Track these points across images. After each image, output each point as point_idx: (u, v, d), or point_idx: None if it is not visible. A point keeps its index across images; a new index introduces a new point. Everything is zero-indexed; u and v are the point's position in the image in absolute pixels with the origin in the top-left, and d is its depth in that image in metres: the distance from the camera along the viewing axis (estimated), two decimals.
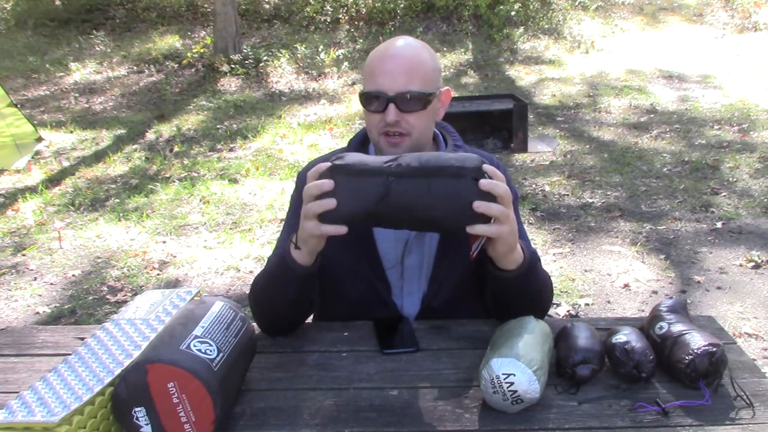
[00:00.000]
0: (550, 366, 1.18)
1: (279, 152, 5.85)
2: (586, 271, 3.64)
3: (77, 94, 8.11)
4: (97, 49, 9.47)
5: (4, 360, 1.34)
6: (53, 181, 5.35)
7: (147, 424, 1.02)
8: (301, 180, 1.53)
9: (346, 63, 8.57)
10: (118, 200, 4.90)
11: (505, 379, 1.07)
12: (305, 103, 7.52)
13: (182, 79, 8.40)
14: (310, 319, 1.49)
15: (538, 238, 4.03)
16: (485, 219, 1.14)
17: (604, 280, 3.54)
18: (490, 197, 1.13)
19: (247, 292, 1.54)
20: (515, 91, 6.84)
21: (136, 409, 1.01)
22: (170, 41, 9.42)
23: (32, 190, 5.13)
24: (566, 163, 5.35)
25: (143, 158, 5.85)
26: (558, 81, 7.86)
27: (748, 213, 4.31)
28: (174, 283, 3.63)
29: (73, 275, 3.77)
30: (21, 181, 5.36)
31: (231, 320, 1.16)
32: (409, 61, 1.35)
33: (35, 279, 3.75)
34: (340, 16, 9.66)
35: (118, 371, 1.07)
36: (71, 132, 6.64)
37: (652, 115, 6.56)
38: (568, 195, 4.72)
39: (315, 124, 6.70)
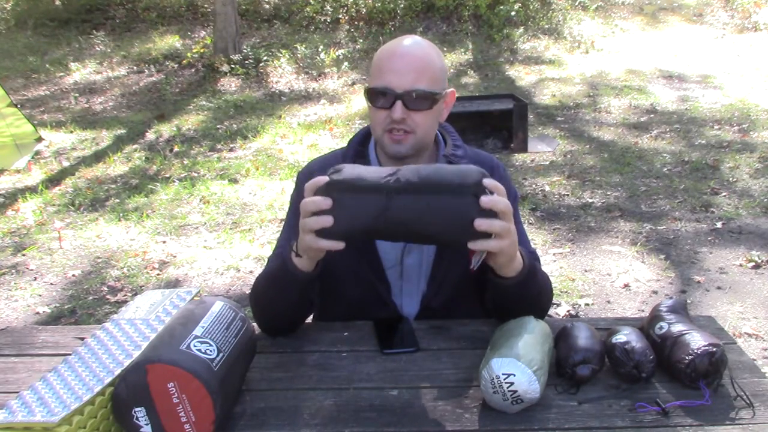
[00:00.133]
0: (550, 366, 1.18)
1: (279, 152, 5.86)
2: (586, 271, 3.64)
3: (77, 94, 8.11)
4: (97, 49, 9.47)
5: (4, 360, 1.34)
6: (53, 181, 5.35)
7: (147, 424, 1.02)
8: (301, 180, 1.53)
9: (346, 63, 8.57)
10: (118, 200, 4.90)
11: (505, 379, 1.07)
12: (305, 103, 7.52)
13: (182, 79, 8.40)
14: (310, 319, 1.49)
15: (538, 238, 4.03)
16: (486, 234, 1.12)
17: (604, 280, 3.54)
18: (491, 213, 1.12)
19: (247, 292, 1.54)
20: (515, 91, 6.84)
21: (136, 409, 1.01)
22: (170, 41, 9.42)
23: (32, 190, 5.13)
24: (566, 163, 5.35)
25: (143, 158, 5.85)
26: (558, 81, 7.86)
27: (748, 213, 4.31)
28: (174, 283, 3.63)
29: (73, 275, 3.77)
30: (21, 181, 5.36)
31: (231, 320, 1.16)
32: (418, 60, 1.35)
33: (35, 279, 3.75)
34: (340, 16, 9.66)
35: (118, 371, 1.06)
36: (71, 132, 6.64)
37: (652, 115, 6.56)
38: (568, 195, 4.72)
39: (315, 124, 6.70)
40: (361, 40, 9.21)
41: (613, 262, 3.72)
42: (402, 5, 9.66)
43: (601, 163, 5.34)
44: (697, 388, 1.15)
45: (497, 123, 5.62)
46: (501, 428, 1.09)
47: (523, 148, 5.61)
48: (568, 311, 3.21)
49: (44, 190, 5.09)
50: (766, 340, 2.95)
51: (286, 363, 1.29)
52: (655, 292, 3.37)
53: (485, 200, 1.11)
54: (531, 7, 9.79)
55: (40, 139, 6.10)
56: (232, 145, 6.12)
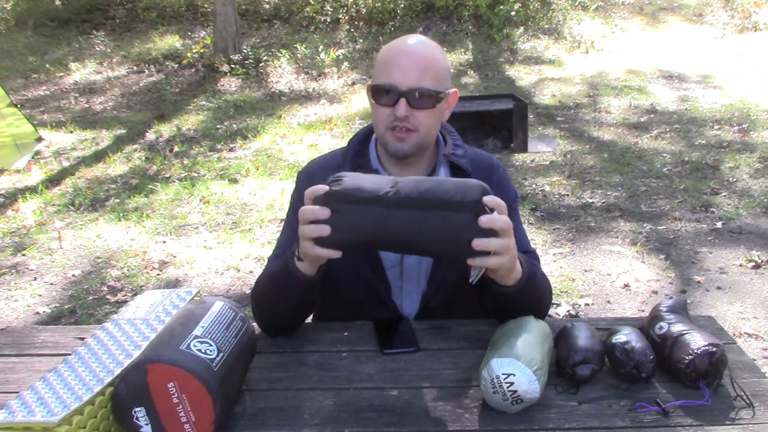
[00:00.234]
0: (550, 366, 1.18)
1: (279, 152, 5.86)
2: (586, 271, 3.64)
3: (77, 94, 8.11)
4: (97, 49, 9.47)
5: (4, 360, 1.34)
6: (53, 181, 5.35)
7: (147, 424, 1.02)
8: (301, 180, 1.53)
9: (346, 63, 8.57)
10: (118, 200, 4.90)
11: (505, 379, 1.07)
12: (305, 103, 7.52)
13: (182, 79, 8.40)
14: (310, 319, 1.49)
15: (538, 238, 4.03)
16: (485, 251, 1.12)
17: (604, 280, 3.54)
18: (490, 231, 1.11)
19: (247, 292, 1.54)
20: (515, 91, 6.84)
21: (136, 409, 1.01)
22: (170, 41, 9.42)
23: (32, 190, 5.13)
24: (566, 163, 5.35)
25: (143, 158, 5.85)
26: (558, 81, 7.86)
27: (748, 213, 4.31)
28: (174, 283, 3.63)
29: (73, 275, 3.77)
30: (21, 181, 5.36)
31: (231, 320, 1.16)
32: (423, 58, 1.35)
33: (35, 279, 3.75)
34: (340, 16, 9.66)
35: (118, 371, 1.06)
36: (71, 132, 6.64)
37: (652, 115, 6.56)
38: (568, 195, 4.72)
39: (315, 124, 6.70)
40: (361, 40, 9.21)
41: (613, 262, 3.72)
42: (402, 5, 9.66)
43: (601, 163, 5.34)
44: (697, 388, 1.15)
45: (497, 123, 5.62)
46: (501, 428, 1.09)
47: (523, 148, 5.61)
48: (568, 311, 3.21)
49: (44, 190, 5.09)
50: (766, 340, 2.95)
51: (286, 363, 1.29)
52: (655, 292, 3.37)
53: (484, 220, 1.10)
54: (531, 7, 9.79)
55: (40, 139, 6.10)
56: (232, 145, 6.12)
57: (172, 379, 1.01)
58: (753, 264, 3.63)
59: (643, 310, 3.19)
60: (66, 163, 5.78)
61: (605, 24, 9.72)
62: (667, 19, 9.95)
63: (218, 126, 6.76)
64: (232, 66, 8.36)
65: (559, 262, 3.74)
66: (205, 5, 10.13)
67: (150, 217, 4.55)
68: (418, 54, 1.36)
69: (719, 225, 4.14)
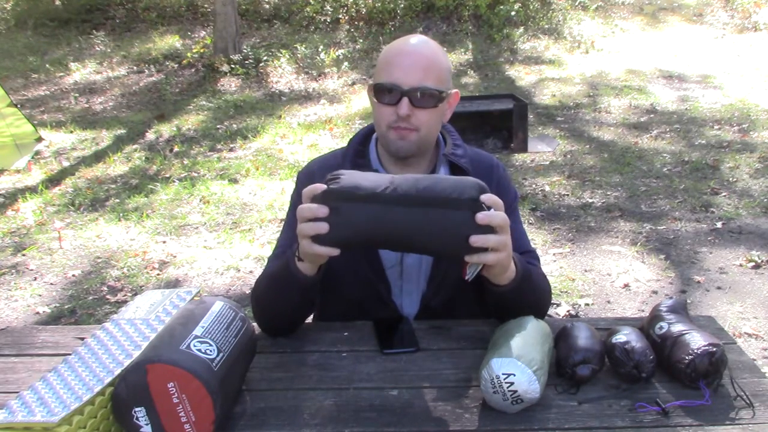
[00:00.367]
0: (550, 366, 1.18)
1: (279, 152, 5.86)
2: (586, 271, 3.64)
3: (77, 94, 8.11)
4: (97, 49, 9.47)
5: (4, 360, 1.34)
6: (53, 181, 5.35)
7: (147, 424, 1.02)
8: (301, 180, 1.53)
9: (346, 63, 8.57)
10: (118, 200, 4.90)
11: (505, 379, 1.07)
12: (305, 103, 7.52)
13: (182, 79, 8.40)
14: (310, 319, 1.49)
15: (538, 238, 4.03)
16: (483, 248, 1.13)
17: (604, 280, 3.54)
18: (487, 228, 1.12)
19: (247, 292, 1.54)
20: (515, 91, 6.84)
21: (136, 409, 1.01)
22: (170, 41, 9.42)
23: (32, 190, 5.13)
24: (566, 163, 5.35)
25: (143, 158, 5.85)
26: (558, 81, 7.86)
27: (748, 213, 4.31)
28: (174, 283, 3.63)
29: (73, 275, 3.77)
30: (21, 181, 5.36)
31: (231, 320, 1.16)
32: (426, 58, 1.36)
33: (35, 279, 3.75)
34: (340, 16, 9.66)
35: (118, 371, 1.06)
36: (71, 132, 6.64)
37: (652, 115, 6.56)
38: (568, 195, 4.72)
39: (315, 124, 6.70)
40: (361, 40, 9.21)
41: (613, 262, 3.72)
42: (402, 5, 9.66)
43: (601, 163, 5.34)
44: (697, 388, 1.15)
45: (497, 123, 5.62)
46: (501, 428, 1.09)
47: (523, 148, 5.61)
48: (568, 311, 3.21)
49: (44, 190, 5.09)
50: (766, 340, 2.95)
51: (286, 363, 1.29)
52: (655, 292, 3.37)
53: (481, 217, 1.11)
54: (531, 7, 9.79)
55: (40, 139, 6.10)
56: (232, 145, 6.12)
57: (172, 379, 1.01)
58: (753, 264, 3.63)
59: (643, 310, 3.19)
60: (66, 163, 5.78)
61: (605, 24, 9.72)
62: (667, 19, 9.95)
63: (218, 126, 6.76)
64: (232, 66, 8.36)
65: (559, 262, 3.74)
66: (205, 5, 10.13)
67: (150, 217, 4.55)
68: (420, 54, 1.36)
69: (719, 225, 4.14)
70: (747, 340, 2.94)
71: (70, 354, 1.14)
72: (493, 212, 1.12)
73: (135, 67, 8.83)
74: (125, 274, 3.76)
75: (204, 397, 1.02)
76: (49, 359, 1.33)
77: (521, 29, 9.42)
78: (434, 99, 1.36)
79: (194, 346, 1.06)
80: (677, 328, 1.21)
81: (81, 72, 8.77)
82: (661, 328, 1.23)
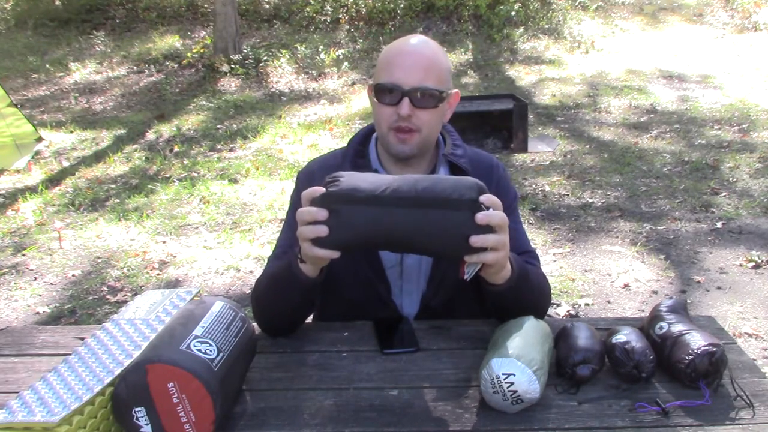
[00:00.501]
0: (550, 366, 1.18)
1: (279, 152, 5.86)
2: (586, 271, 3.64)
3: (77, 94, 8.11)
4: (97, 49, 9.47)
5: (4, 360, 1.34)
6: (53, 181, 5.35)
7: (147, 424, 1.02)
8: (301, 180, 1.53)
9: (346, 63, 8.57)
10: (118, 200, 4.90)
11: (505, 379, 1.07)
12: (305, 103, 7.52)
13: (182, 79, 8.40)
14: (310, 319, 1.49)
15: (538, 238, 4.03)
16: (482, 248, 1.13)
17: (604, 280, 3.54)
18: (487, 227, 1.12)
19: (247, 292, 1.54)
20: (515, 91, 6.84)
21: (136, 409, 1.01)
22: (170, 41, 9.42)
23: (32, 190, 5.13)
24: (566, 163, 5.35)
25: (143, 158, 5.85)
26: (558, 81, 7.86)
27: (748, 213, 4.31)
28: (174, 283, 3.63)
29: (73, 275, 3.77)
30: (21, 181, 5.36)
31: (231, 320, 1.16)
32: (426, 58, 1.36)
33: (35, 279, 3.75)
34: (340, 16, 9.66)
35: (118, 371, 1.06)
36: (71, 132, 6.64)
37: (652, 115, 6.56)
38: (568, 195, 4.72)
39: (315, 124, 6.70)
40: (361, 40, 9.21)
41: (613, 262, 3.72)
42: (402, 5, 9.66)
43: (601, 163, 5.34)
44: (697, 388, 1.15)
45: (497, 123, 5.62)
46: (501, 428, 1.09)
47: (523, 148, 5.61)
48: (568, 311, 3.21)
49: (44, 190, 5.09)
50: (766, 340, 2.95)
51: (286, 363, 1.29)
52: (655, 292, 3.37)
53: (481, 217, 1.11)
54: (531, 7, 9.79)
55: (40, 139, 6.10)
56: (232, 145, 6.12)
57: (172, 379, 1.01)
58: (753, 264, 3.63)
59: (643, 310, 3.19)
60: (66, 163, 5.78)
61: (605, 24, 9.72)
62: (667, 19, 9.95)
63: (218, 126, 6.76)
64: (232, 66, 8.36)
65: (559, 262, 3.74)
66: (205, 5, 10.13)
67: (150, 217, 4.55)
68: (421, 54, 1.36)
69: (719, 225, 4.14)
70: (747, 340, 2.94)
71: (70, 354, 1.14)
72: (492, 212, 1.13)
73: (135, 67, 8.83)
74: (125, 274, 3.76)
75: (204, 397, 1.02)
76: (49, 359, 1.33)
77: (521, 29, 9.42)
78: (435, 99, 1.36)
79: (194, 346, 1.06)
80: (677, 328, 1.21)
81: (81, 72, 8.77)
82: (661, 328, 1.23)
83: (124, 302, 3.29)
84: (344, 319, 1.44)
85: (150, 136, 6.54)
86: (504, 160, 5.39)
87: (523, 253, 1.43)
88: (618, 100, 7.05)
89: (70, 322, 3.27)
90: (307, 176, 1.50)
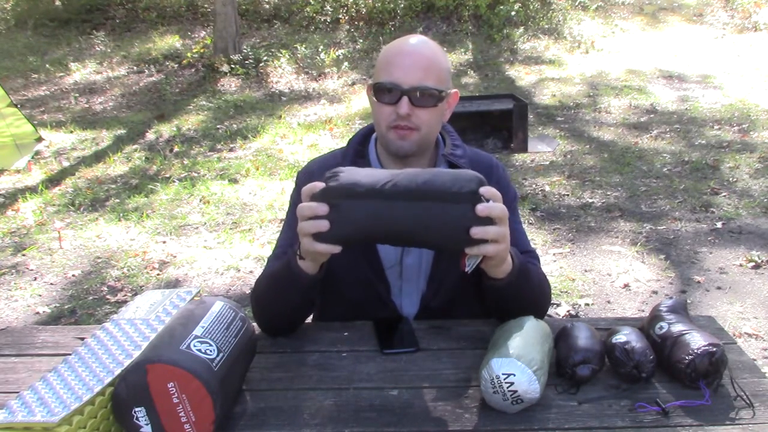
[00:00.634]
0: (550, 366, 1.18)
1: (279, 152, 5.86)
2: (586, 271, 3.64)
3: (77, 94, 8.11)
4: (97, 49, 9.47)
5: (4, 360, 1.34)
6: (53, 181, 5.35)
7: (147, 424, 1.02)
8: (301, 180, 1.53)
9: (346, 63, 8.57)
10: (118, 200, 4.90)
11: (505, 379, 1.07)
12: (305, 103, 7.52)
13: (182, 79, 8.40)
14: (310, 319, 1.49)
15: (538, 238, 4.03)
16: (482, 239, 1.13)
17: (604, 280, 3.54)
18: (487, 219, 1.12)
19: (247, 292, 1.54)
20: (515, 91, 6.84)
21: (136, 409, 1.01)
22: (170, 41, 9.42)
23: (32, 190, 5.13)
24: (566, 163, 5.35)
25: (143, 158, 5.85)
26: (558, 81, 7.86)
27: (748, 213, 4.31)
28: (174, 283, 3.63)
29: (73, 275, 3.77)
30: (21, 181, 5.36)
31: (231, 320, 1.16)
32: (426, 58, 1.36)
33: (35, 279, 3.75)
34: (340, 16, 9.66)
35: (118, 371, 1.06)
36: (71, 132, 6.64)
37: (652, 115, 6.56)
38: (568, 195, 4.72)
39: (315, 124, 6.70)
40: (361, 40, 9.21)
41: (613, 262, 3.72)
42: (402, 5, 9.66)
43: (601, 163, 5.34)
44: (697, 388, 1.14)
45: (497, 123, 5.62)
46: (501, 428, 1.09)
47: (523, 148, 5.61)
48: (568, 311, 3.21)
49: (44, 190, 5.09)
50: (766, 340, 2.95)
51: (286, 363, 1.29)
52: (655, 292, 3.37)
53: (481, 208, 1.11)
54: (531, 7, 9.79)
55: (40, 139, 6.11)
56: (232, 145, 6.12)
57: (172, 379, 1.01)
58: (753, 264, 3.63)
59: (643, 310, 3.19)
60: (66, 163, 5.78)
61: (605, 24, 9.72)
62: (667, 19, 9.95)
63: (218, 126, 6.76)
64: (232, 66, 8.36)
65: (559, 262, 3.74)
66: (205, 5, 10.13)
67: (150, 217, 4.55)
68: (420, 53, 1.36)
69: (719, 225, 4.14)
70: (747, 340, 2.94)
71: (70, 354, 1.14)
72: (493, 204, 1.13)
73: (135, 67, 8.83)
74: (125, 274, 3.76)
75: (204, 397, 1.02)
76: (49, 359, 1.33)
77: (521, 29, 9.42)
78: (434, 98, 1.36)
79: (194, 346, 1.06)
80: (677, 328, 1.21)
81: (81, 72, 8.77)
82: (661, 328, 1.23)
83: (124, 302, 3.29)
84: (344, 319, 1.44)
85: (150, 136, 6.54)
86: (504, 160, 5.39)
87: (523, 253, 1.43)
88: (618, 100, 7.05)
89: (70, 322, 3.27)
90: (307, 176, 1.50)
